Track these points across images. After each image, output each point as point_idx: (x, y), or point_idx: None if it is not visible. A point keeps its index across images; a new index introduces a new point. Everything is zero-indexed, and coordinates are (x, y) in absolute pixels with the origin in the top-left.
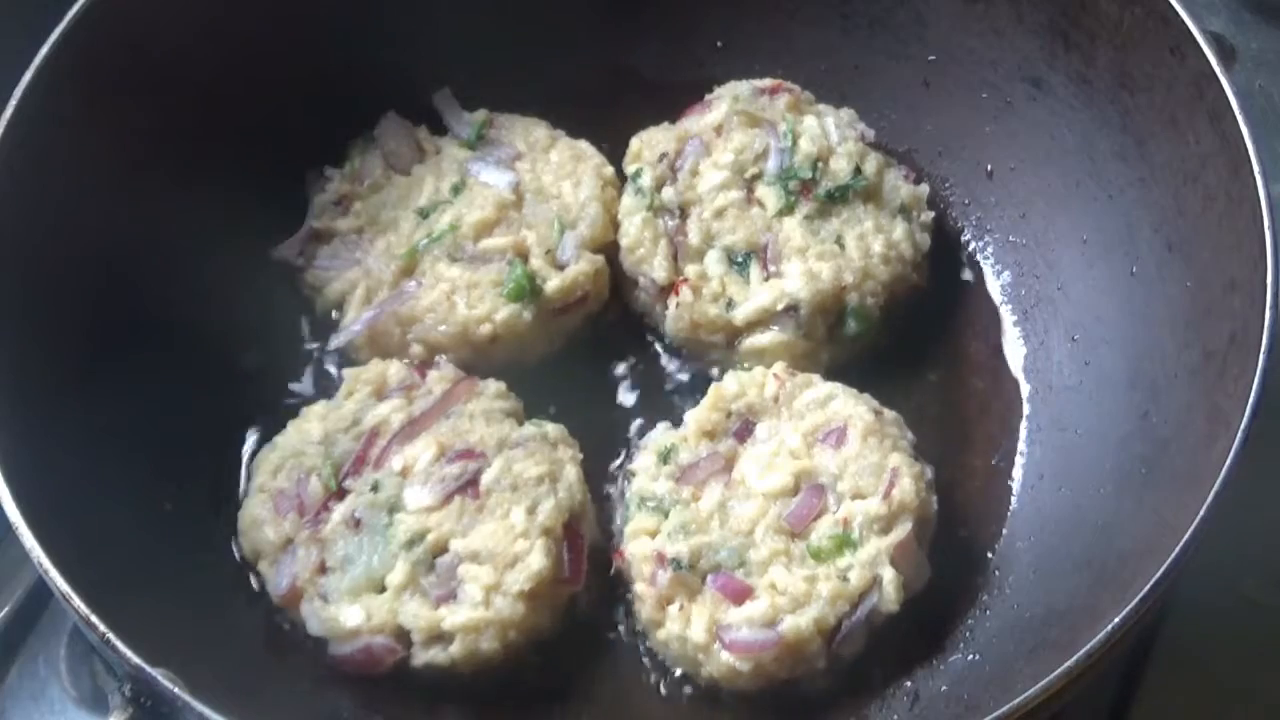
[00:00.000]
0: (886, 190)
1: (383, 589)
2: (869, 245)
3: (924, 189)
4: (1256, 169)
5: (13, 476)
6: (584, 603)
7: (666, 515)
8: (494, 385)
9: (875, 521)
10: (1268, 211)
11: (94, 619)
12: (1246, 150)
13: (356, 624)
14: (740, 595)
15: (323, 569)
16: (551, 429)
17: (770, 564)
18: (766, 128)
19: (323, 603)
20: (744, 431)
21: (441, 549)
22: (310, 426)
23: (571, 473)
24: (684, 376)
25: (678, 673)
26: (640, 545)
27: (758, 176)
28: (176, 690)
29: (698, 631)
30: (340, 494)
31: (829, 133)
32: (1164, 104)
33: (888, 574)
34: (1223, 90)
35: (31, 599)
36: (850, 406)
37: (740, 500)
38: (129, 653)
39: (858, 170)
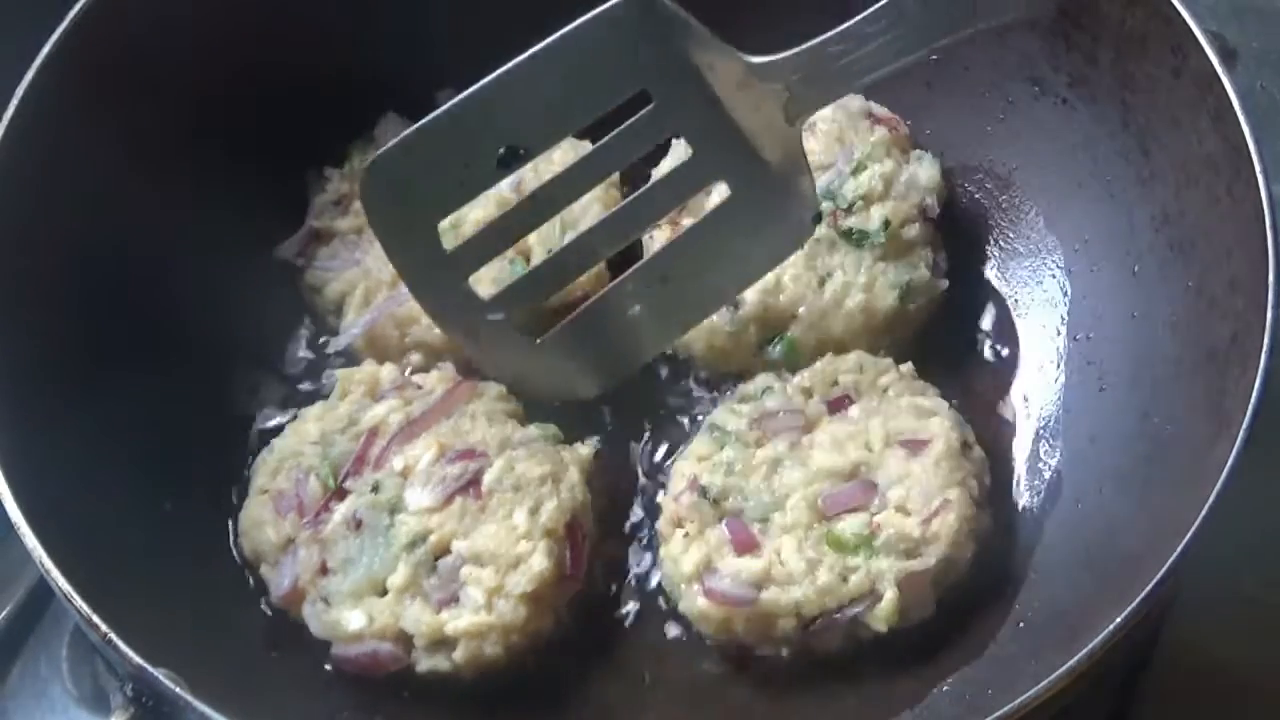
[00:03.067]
0: (903, 261)
1: (384, 591)
2: (844, 296)
3: (942, 284)
4: (1258, 169)
5: (13, 476)
6: (590, 599)
7: (722, 447)
8: (495, 387)
9: (903, 540)
10: (1269, 211)
11: (95, 619)
12: (1248, 150)
13: (359, 628)
14: (745, 547)
15: (324, 570)
16: (554, 430)
17: (786, 533)
18: (846, 148)
19: (325, 605)
20: (838, 404)
21: (443, 550)
22: (307, 428)
23: (574, 473)
24: (682, 378)
25: (677, 672)
26: (686, 465)
27: None
28: (178, 690)
29: (688, 563)
30: (340, 494)
31: (892, 184)
32: (1166, 104)
33: (888, 594)
34: (1224, 90)
35: (33, 599)
36: (944, 428)
37: (796, 464)
38: (130, 652)
39: (886, 224)
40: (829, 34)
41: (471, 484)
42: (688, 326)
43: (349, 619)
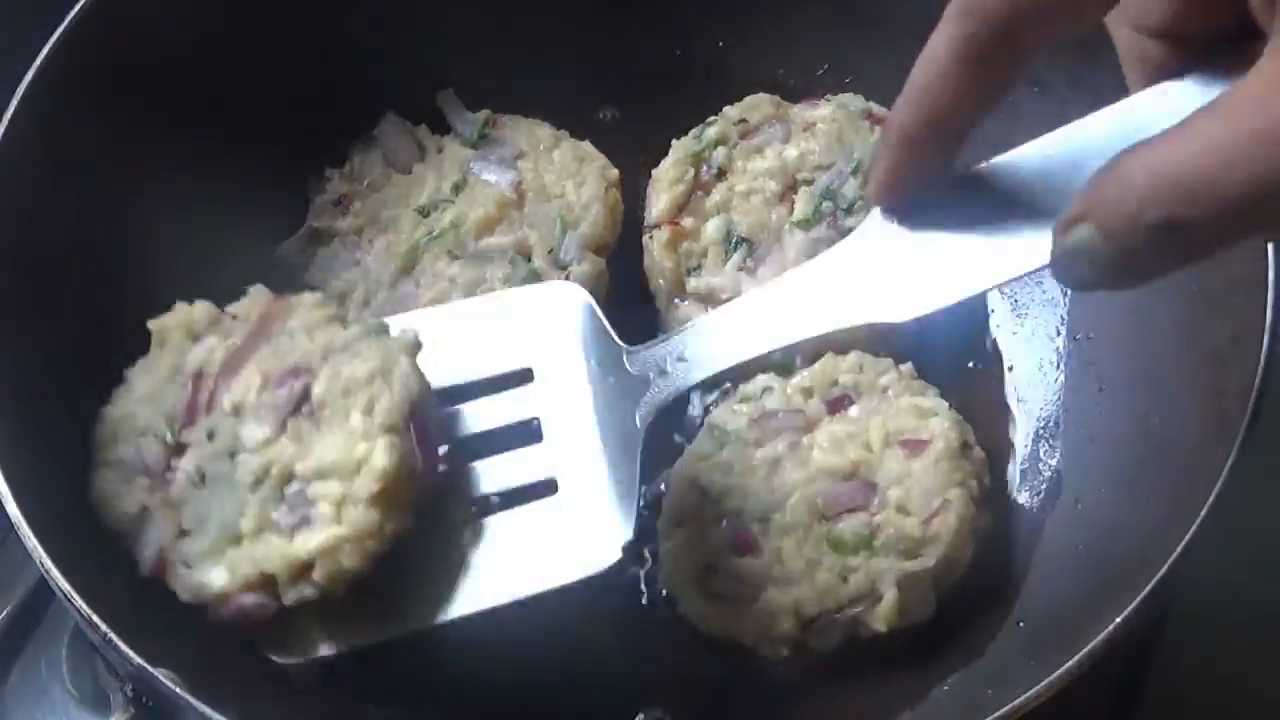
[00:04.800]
0: None
1: (239, 539)
2: None
3: None
4: None
5: (12, 476)
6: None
7: (722, 447)
8: (310, 297)
9: (903, 541)
10: None
11: (96, 619)
12: None
13: (223, 584)
14: (745, 547)
15: (182, 533)
16: (376, 323)
17: (786, 533)
18: (845, 147)
19: (186, 569)
20: (838, 405)
21: (288, 478)
22: (133, 388)
23: (404, 362)
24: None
25: (677, 672)
26: (686, 465)
27: (807, 182)
28: (178, 690)
29: (689, 564)
30: (180, 449)
31: None
32: None
33: (888, 595)
34: None
35: (33, 599)
36: (944, 428)
37: (796, 464)
38: (130, 652)
39: None
40: (717, 309)
41: (302, 402)
42: (459, 610)
43: (212, 579)
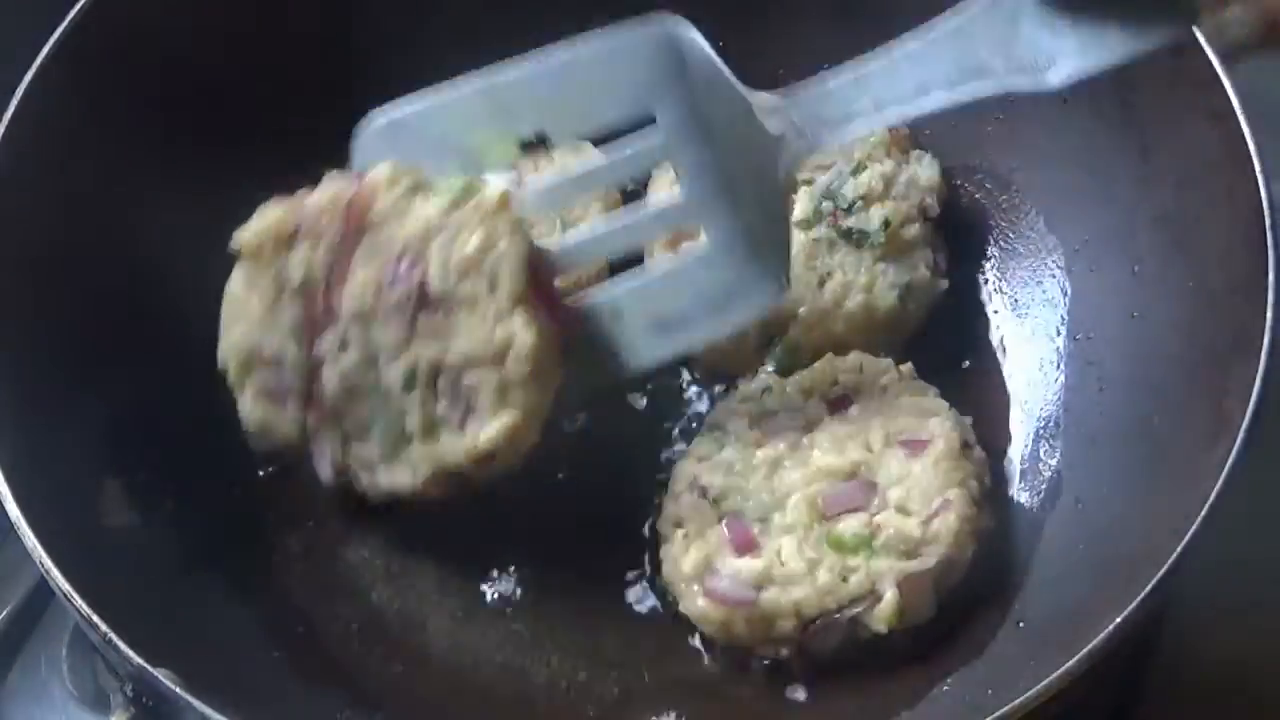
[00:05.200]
0: (903, 261)
1: (408, 437)
2: (844, 296)
3: (942, 284)
4: (1258, 169)
5: (13, 476)
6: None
7: (722, 448)
8: (385, 169)
9: (903, 541)
10: (1269, 212)
11: (96, 619)
12: (1248, 150)
13: (410, 483)
14: (745, 547)
15: (347, 440)
16: (460, 182)
17: (786, 533)
18: (845, 147)
19: (368, 474)
20: (838, 404)
21: (436, 372)
22: (244, 309)
23: (505, 223)
24: (682, 378)
25: (677, 672)
26: (686, 465)
27: (807, 182)
28: (178, 690)
29: (688, 563)
30: (316, 364)
31: (892, 184)
32: (1166, 103)
33: (889, 595)
34: (1224, 90)
35: (33, 599)
36: (944, 428)
37: (795, 464)
38: (130, 652)
39: (886, 224)
40: (850, 63)
41: (422, 297)
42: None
43: (398, 479)
